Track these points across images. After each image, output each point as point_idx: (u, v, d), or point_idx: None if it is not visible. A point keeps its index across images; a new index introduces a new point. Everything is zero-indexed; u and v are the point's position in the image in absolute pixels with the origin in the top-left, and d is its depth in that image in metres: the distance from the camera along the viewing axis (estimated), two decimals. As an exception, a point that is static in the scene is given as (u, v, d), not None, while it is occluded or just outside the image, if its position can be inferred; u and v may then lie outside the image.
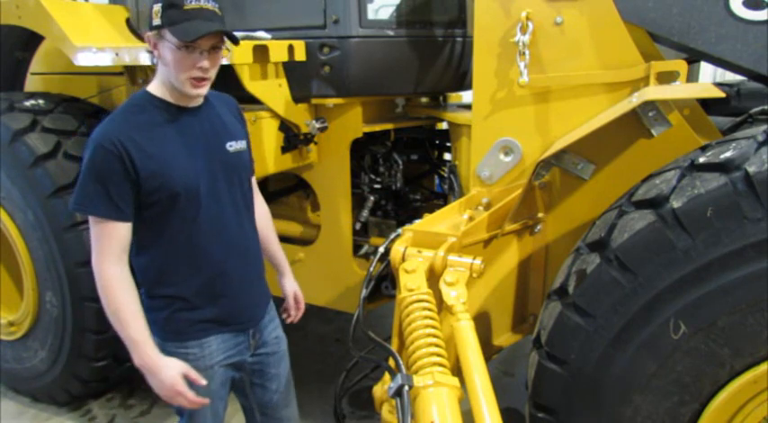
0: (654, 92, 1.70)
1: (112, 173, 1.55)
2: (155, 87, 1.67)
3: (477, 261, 1.59)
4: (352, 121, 2.62)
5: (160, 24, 1.54)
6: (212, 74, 1.64)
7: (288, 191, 3.13)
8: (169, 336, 1.73)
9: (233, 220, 1.77)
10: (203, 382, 1.67)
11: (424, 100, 3.10)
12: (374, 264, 1.83)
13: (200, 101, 1.72)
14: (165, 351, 1.71)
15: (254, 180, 1.96)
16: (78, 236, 2.59)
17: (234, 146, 1.77)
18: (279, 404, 2.02)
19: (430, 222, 1.90)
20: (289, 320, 2.08)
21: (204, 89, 1.65)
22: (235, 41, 1.66)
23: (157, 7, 1.55)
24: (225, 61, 2.25)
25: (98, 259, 1.61)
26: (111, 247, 1.60)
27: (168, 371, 1.62)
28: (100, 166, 1.55)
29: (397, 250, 1.68)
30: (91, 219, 1.61)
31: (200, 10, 1.55)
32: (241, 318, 1.82)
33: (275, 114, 2.50)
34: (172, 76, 1.60)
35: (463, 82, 2.92)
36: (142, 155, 1.57)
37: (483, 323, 2.10)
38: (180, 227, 1.67)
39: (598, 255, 1.55)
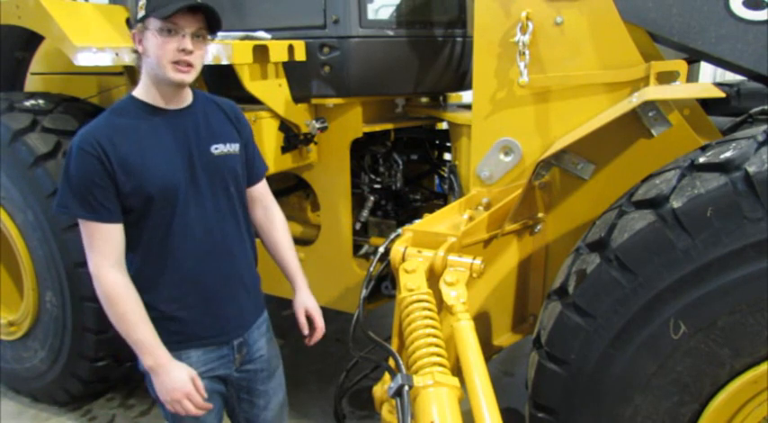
0: (654, 92, 1.70)
1: (94, 174, 1.53)
2: (139, 91, 1.65)
3: (477, 261, 1.59)
4: (352, 121, 2.62)
5: (144, 14, 1.52)
6: (197, 62, 1.58)
7: (288, 191, 3.13)
8: None
9: (216, 227, 1.70)
10: (204, 394, 1.64)
11: (424, 100, 3.09)
12: (374, 264, 1.82)
13: (185, 102, 1.68)
14: None
15: (264, 185, 1.92)
16: (78, 236, 2.56)
17: (220, 148, 1.70)
18: (267, 422, 1.96)
19: (430, 222, 1.90)
20: (306, 342, 1.96)
21: (188, 76, 1.57)
22: (216, 25, 1.58)
23: (142, 1, 1.53)
24: (225, 61, 2.26)
25: (96, 264, 1.58)
26: (106, 250, 1.57)
27: (181, 372, 1.61)
28: (81, 169, 1.53)
29: (397, 250, 1.67)
30: (82, 223, 1.58)
31: None
32: (220, 329, 1.75)
33: (275, 114, 2.50)
34: (155, 65, 1.55)
35: (463, 82, 2.92)
36: (119, 157, 1.55)
37: (483, 323, 2.10)
38: (155, 232, 1.63)
39: (598, 255, 1.55)
